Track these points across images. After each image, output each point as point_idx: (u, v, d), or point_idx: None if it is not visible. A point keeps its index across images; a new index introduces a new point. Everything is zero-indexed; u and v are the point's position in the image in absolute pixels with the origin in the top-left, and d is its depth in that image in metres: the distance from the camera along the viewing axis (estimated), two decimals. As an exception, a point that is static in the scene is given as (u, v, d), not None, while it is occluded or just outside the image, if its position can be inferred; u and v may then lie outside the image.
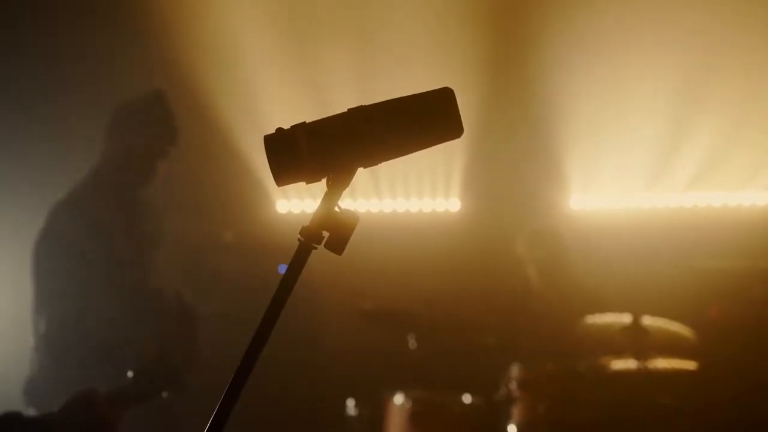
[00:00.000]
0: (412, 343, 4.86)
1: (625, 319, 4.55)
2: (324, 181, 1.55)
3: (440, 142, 1.54)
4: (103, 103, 5.36)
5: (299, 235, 1.54)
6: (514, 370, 4.61)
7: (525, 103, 5.90)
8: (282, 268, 5.34)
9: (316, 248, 1.54)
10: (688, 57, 5.55)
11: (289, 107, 5.26)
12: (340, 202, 1.54)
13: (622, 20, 5.59)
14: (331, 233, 1.53)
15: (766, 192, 5.99)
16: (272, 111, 5.31)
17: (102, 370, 3.57)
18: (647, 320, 4.53)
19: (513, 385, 4.56)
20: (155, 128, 3.88)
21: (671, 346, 4.58)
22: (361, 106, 1.53)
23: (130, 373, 3.04)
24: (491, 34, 5.62)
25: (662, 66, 5.60)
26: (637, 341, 4.48)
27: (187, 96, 5.39)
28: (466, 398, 4.75)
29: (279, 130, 1.54)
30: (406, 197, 6.22)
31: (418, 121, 1.52)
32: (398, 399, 4.76)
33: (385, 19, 5.59)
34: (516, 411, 4.55)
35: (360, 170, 5.14)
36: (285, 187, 3.96)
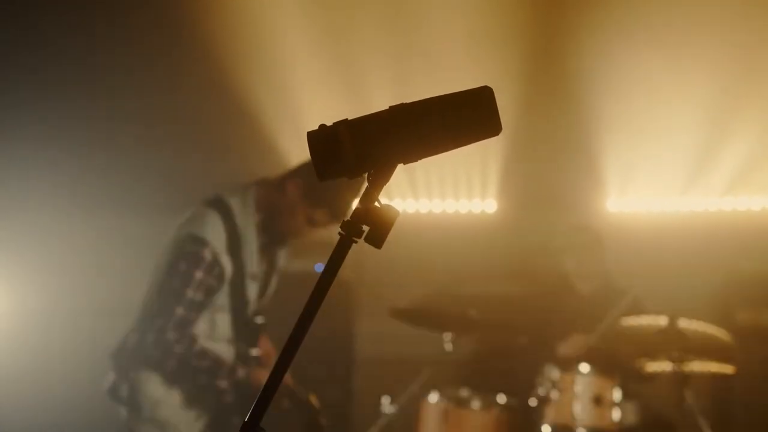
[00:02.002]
0: (447, 343, 4.88)
1: (662, 321, 4.53)
2: (365, 176, 1.58)
3: (479, 140, 1.56)
4: (132, 101, 5.44)
5: (340, 229, 1.56)
6: (549, 371, 4.62)
7: (563, 105, 5.90)
8: (318, 267, 5.45)
9: (356, 242, 1.57)
10: (727, 62, 5.52)
11: (327, 106, 5.30)
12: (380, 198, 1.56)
13: (661, 25, 5.57)
14: (371, 227, 1.56)
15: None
16: (310, 110, 5.36)
17: (197, 380, 3.69)
18: (684, 323, 4.51)
19: (548, 386, 4.57)
20: (338, 198, 3.75)
21: (708, 349, 4.55)
22: (402, 103, 1.56)
23: None
24: (530, 35, 5.62)
25: (701, 70, 5.57)
26: (674, 343, 4.45)
27: (226, 96, 5.46)
28: (501, 398, 4.76)
29: (322, 126, 1.57)
30: (442, 198, 6.24)
31: (458, 118, 1.54)
32: (433, 398, 4.78)
33: (422, 17, 5.61)
34: (550, 411, 4.56)
35: (397, 171, 5.13)
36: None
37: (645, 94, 5.72)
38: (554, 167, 6.11)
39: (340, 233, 1.57)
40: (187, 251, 3.66)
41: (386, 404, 4.92)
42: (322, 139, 1.56)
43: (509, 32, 5.58)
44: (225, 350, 3.73)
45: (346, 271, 5.67)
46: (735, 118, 5.71)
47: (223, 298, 3.70)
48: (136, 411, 3.73)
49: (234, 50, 5.44)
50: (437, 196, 6.23)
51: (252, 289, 3.78)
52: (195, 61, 5.45)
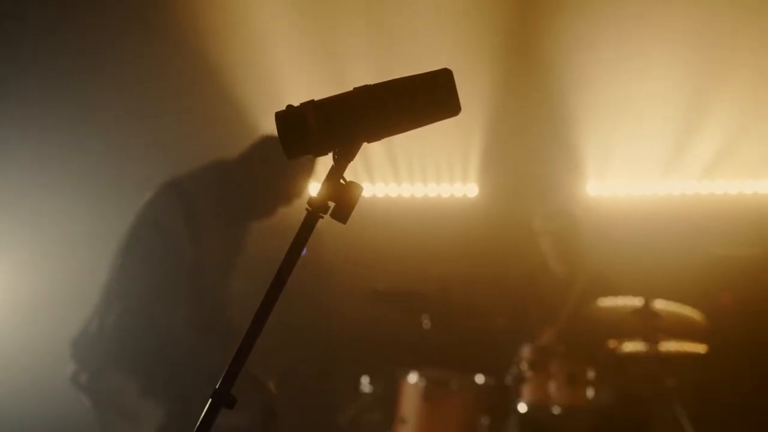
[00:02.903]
0: (425, 323, 4.96)
1: (636, 302, 4.62)
2: (330, 155, 1.65)
3: (439, 120, 1.64)
4: (109, 81, 5.45)
5: (307, 205, 1.64)
6: (525, 351, 4.71)
7: (542, 91, 5.97)
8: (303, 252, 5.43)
9: (322, 217, 1.64)
10: (703, 46, 5.59)
11: (308, 89, 5.35)
12: (345, 175, 1.64)
13: (638, 10, 5.63)
14: (337, 203, 1.63)
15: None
16: (291, 94, 5.40)
17: (156, 368, 3.70)
18: (658, 304, 4.61)
19: (524, 366, 4.66)
20: (296, 179, 3.82)
21: (681, 329, 4.65)
22: (366, 85, 1.64)
23: None
24: (509, 21, 5.68)
25: (678, 55, 5.65)
26: (648, 324, 4.55)
27: (208, 78, 5.50)
28: (479, 378, 4.85)
29: (289, 107, 1.65)
30: (424, 182, 6.30)
31: (418, 99, 1.62)
32: (412, 378, 4.86)
33: (403, 3, 5.66)
34: (526, 390, 4.65)
35: (379, 155, 5.25)
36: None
37: (623, 80, 5.78)
38: (535, 152, 6.18)
39: (306, 209, 1.64)
40: (144, 237, 3.67)
41: (366, 384, 5.00)
42: (289, 119, 1.64)
43: (489, 20, 5.64)
44: (186, 336, 3.71)
45: (328, 254, 5.73)
46: (711, 103, 5.78)
47: (182, 282, 3.69)
48: (96, 399, 3.73)
49: (217, 35, 5.48)
50: (419, 181, 6.29)
51: (213, 273, 3.77)
52: (177, 46, 5.48)
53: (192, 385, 3.65)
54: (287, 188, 3.79)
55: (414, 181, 6.27)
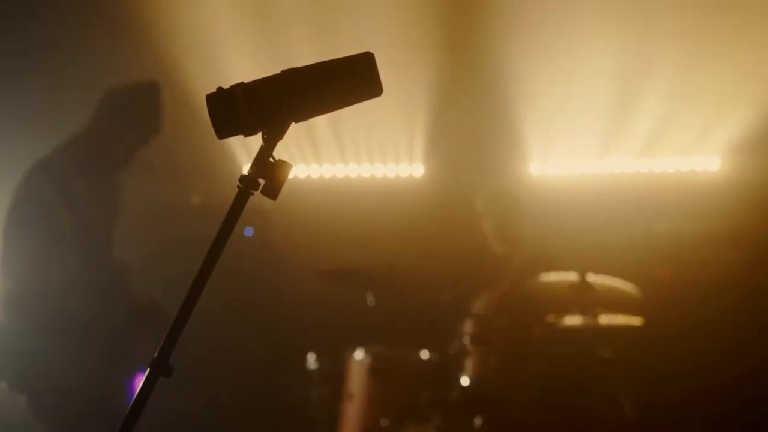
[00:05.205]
0: (370, 301, 5.04)
1: (572, 276, 4.76)
2: (260, 134, 1.73)
3: (362, 100, 1.73)
4: (55, 57, 5.42)
5: (238, 182, 1.72)
6: (467, 326, 4.82)
7: (485, 72, 6.05)
8: (248, 231, 5.50)
9: (253, 194, 1.72)
10: (638, 25, 5.71)
11: (250, 69, 5.37)
12: (274, 153, 1.72)
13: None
14: (267, 181, 1.71)
15: (717, 157, 6.20)
16: (233, 72, 5.42)
17: (63, 340, 3.74)
18: (593, 278, 4.75)
19: (466, 340, 4.77)
20: (145, 117, 4.04)
21: (617, 303, 4.78)
22: (293, 67, 1.72)
23: None
24: (452, 4, 5.77)
25: (613, 34, 5.75)
26: (585, 298, 4.68)
27: (153, 62, 5.50)
28: (424, 354, 4.95)
29: (219, 89, 1.73)
30: (370, 162, 6.37)
31: (341, 81, 1.71)
32: (358, 354, 4.95)
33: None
34: (469, 364, 4.76)
35: (326, 136, 5.36)
36: (251, 150, 4.09)
37: (562, 61, 5.89)
38: (479, 133, 6.28)
39: (238, 186, 1.72)
40: (23, 217, 3.77)
41: (312, 361, 5.07)
42: (220, 101, 1.72)
43: (433, 3, 5.72)
44: (88, 302, 3.78)
45: (275, 234, 5.72)
46: (648, 81, 5.91)
47: (70, 250, 3.78)
48: (21, 386, 3.82)
49: (160, 17, 5.48)
50: (366, 161, 6.36)
51: (97, 235, 3.86)
52: (117, 25, 5.48)
53: (104, 349, 3.72)
54: (142, 127, 3.98)
55: (361, 162, 6.35)
